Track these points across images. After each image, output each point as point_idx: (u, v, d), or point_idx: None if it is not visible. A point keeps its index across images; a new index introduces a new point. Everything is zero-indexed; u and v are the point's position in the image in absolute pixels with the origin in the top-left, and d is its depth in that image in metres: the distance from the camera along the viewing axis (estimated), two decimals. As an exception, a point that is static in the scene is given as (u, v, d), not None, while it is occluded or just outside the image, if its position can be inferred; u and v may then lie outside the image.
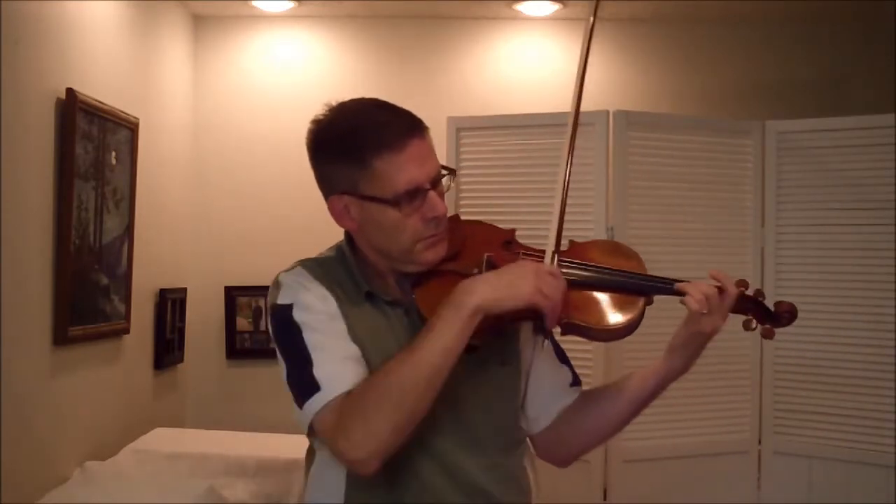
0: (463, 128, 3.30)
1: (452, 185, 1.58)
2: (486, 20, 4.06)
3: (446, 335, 1.40)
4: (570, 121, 1.64)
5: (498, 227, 1.66)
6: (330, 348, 1.48)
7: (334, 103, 1.55)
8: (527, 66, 4.07)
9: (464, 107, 3.73)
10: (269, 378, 3.85)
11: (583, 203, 3.17)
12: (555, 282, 1.43)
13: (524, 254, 1.59)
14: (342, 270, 1.57)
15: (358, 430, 1.40)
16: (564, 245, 1.63)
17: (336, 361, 1.46)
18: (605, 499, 3.18)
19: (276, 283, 1.56)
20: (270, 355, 4.36)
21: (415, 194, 1.48)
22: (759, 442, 3.31)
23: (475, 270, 1.54)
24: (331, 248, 1.63)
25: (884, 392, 3.10)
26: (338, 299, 1.53)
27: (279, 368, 1.53)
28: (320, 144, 1.54)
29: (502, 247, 1.61)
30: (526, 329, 1.57)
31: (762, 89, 4.04)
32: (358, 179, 1.48)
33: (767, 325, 1.57)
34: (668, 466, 3.23)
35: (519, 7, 3.90)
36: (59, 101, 2.63)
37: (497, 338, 1.55)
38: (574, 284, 1.54)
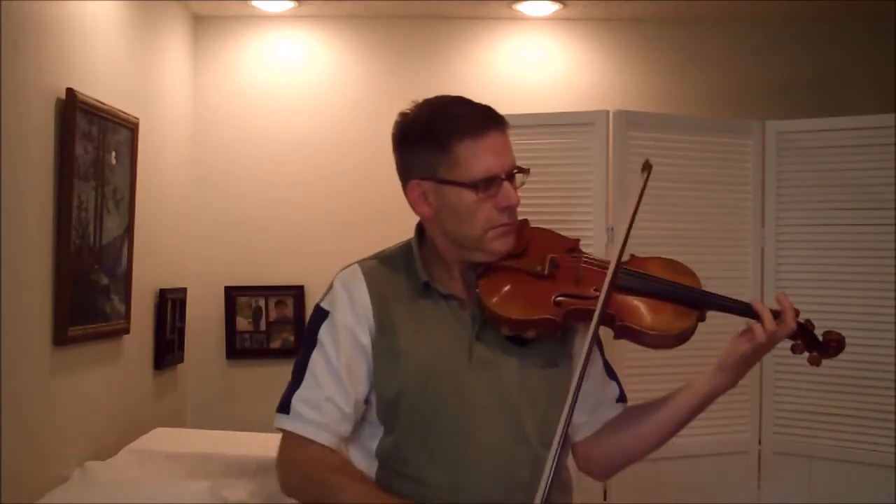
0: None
1: (525, 183, 1.65)
2: (486, 20, 4.06)
3: None
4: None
5: (563, 236, 1.73)
6: (323, 383, 1.57)
7: (420, 100, 1.65)
8: (527, 66, 4.07)
9: (464, 107, 3.72)
10: (269, 378, 3.86)
11: (583, 203, 3.17)
12: None
13: (586, 260, 1.66)
14: (404, 264, 1.65)
15: (293, 485, 1.58)
16: (626, 257, 1.68)
17: (317, 401, 1.56)
18: (605, 499, 3.18)
19: (332, 283, 1.65)
20: (270, 355, 4.36)
21: (491, 182, 1.56)
22: (759, 442, 3.31)
23: (539, 268, 1.61)
24: (399, 242, 1.71)
25: (884, 392, 3.10)
26: (383, 304, 1.59)
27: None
28: (406, 132, 1.62)
29: (566, 251, 1.67)
30: (581, 334, 1.61)
31: (762, 89, 4.04)
32: (438, 164, 1.57)
33: (815, 353, 1.63)
34: (669, 466, 3.22)
35: (519, 7, 3.90)
36: (59, 101, 2.63)
37: (550, 338, 1.60)
38: (632, 291, 1.61)
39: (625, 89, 4.03)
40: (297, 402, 1.58)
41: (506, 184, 1.58)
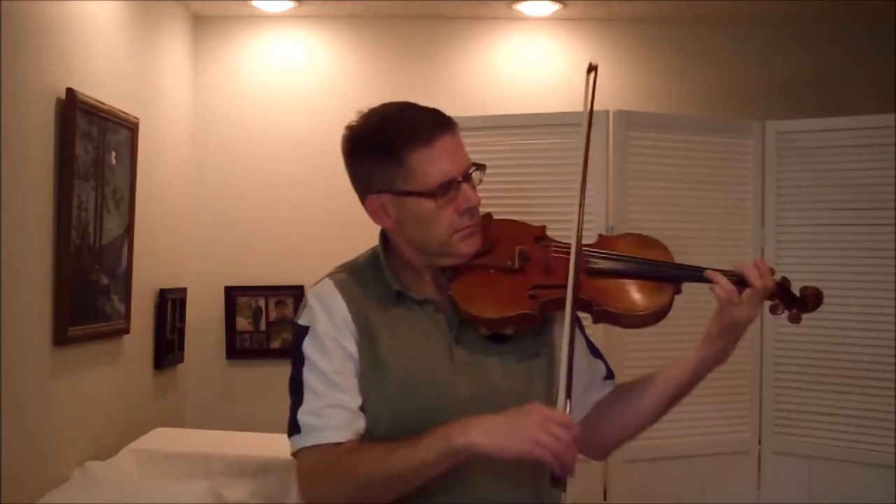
0: (463, 128, 3.28)
1: (483, 179, 1.62)
2: (486, 20, 4.06)
3: (424, 458, 1.43)
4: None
5: (529, 224, 1.71)
6: (322, 393, 1.54)
7: (366, 110, 1.61)
8: (527, 66, 4.07)
9: (464, 107, 3.72)
10: (269, 378, 3.87)
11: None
12: (561, 431, 1.38)
13: (555, 248, 1.64)
14: (374, 274, 1.62)
15: (319, 492, 1.52)
16: (594, 238, 1.68)
17: (321, 409, 1.53)
18: (605, 499, 3.18)
19: (305, 300, 1.63)
20: (270, 355, 4.35)
21: (448, 186, 1.54)
22: (759, 442, 3.31)
23: (509, 262, 1.60)
24: (366, 252, 1.68)
25: (884, 392, 3.10)
26: (360, 314, 1.57)
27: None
28: (355, 147, 1.60)
29: (534, 241, 1.66)
30: (559, 322, 1.60)
31: (762, 89, 4.04)
32: (394, 176, 1.55)
33: (794, 311, 1.64)
34: (668, 466, 3.23)
35: (519, 7, 3.90)
36: (59, 101, 2.63)
37: (530, 332, 1.59)
38: (604, 273, 1.60)
39: (625, 89, 4.03)
40: (303, 416, 1.55)
41: (464, 185, 1.56)
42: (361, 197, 1.61)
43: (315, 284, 1.64)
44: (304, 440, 1.55)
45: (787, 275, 3.34)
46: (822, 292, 1.64)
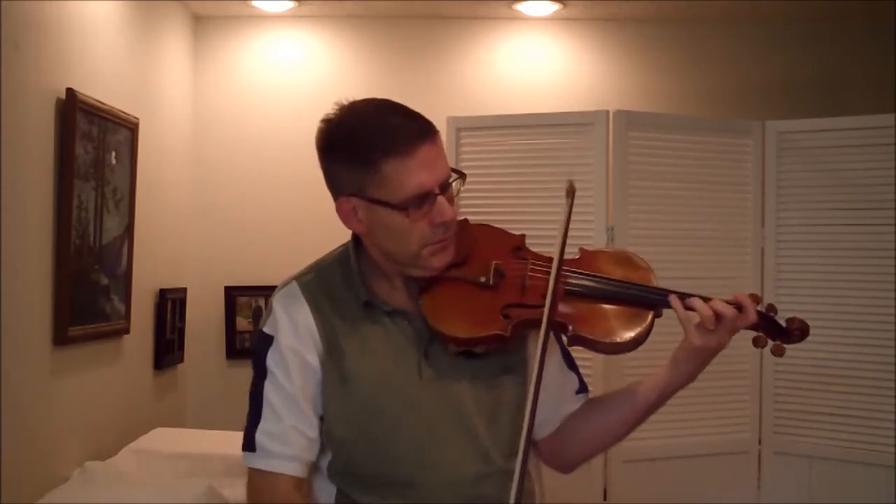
0: (463, 128, 3.30)
1: (462, 188, 1.55)
2: (486, 20, 4.06)
3: None
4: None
5: (507, 232, 1.64)
6: (282, 413, 1.53)
7: (345, 102, 1.53)
8: (527, 66, 4.07)
9: (464, 107, 3.73)
10: (269, 378, 3.86)
11: (583, 203, 3.16)
12: None
13: (533, 263, 1.57)
14: (342, 277, 1.56)
15: None
16: (575, 253, 1.61)
17: (280, 432, 1.52)
18: (605, 499, 3.18)
19: (270, 306, 1.58)
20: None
21: (423, 199, 1.46)
22: (759, 442, 3.31)
23: (482, 279, 1.53)
24: (336, 249, 1.63)
25: (884, 392, 3.10)
26: (327, 324, 1.53)
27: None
28: (330, 145, 1.52)
29: (511, 253, 1.59)
30: (534, 336, 1.54)
31: (762, 89, 4.04)
32: (366, 182, 1.47)
33: (778, 342, 1.57)
34: (668, 466, 3.23)
35: (519, 7, 3.90)
36: (59, 101, 2.63)
37: (503, 350, 1.54)
38: (582, 296, 1.53)
39: (625, 89, 4.03)
40: (260, 436, 1.53)
41: (439, 199, 1.46)
42: (333, 196, 1.54)
43: (281, 286, 1.59)
44: (258, 462, 1.53)
45: (786, 274, 3.32)
46: (807, 325, 1.56)
